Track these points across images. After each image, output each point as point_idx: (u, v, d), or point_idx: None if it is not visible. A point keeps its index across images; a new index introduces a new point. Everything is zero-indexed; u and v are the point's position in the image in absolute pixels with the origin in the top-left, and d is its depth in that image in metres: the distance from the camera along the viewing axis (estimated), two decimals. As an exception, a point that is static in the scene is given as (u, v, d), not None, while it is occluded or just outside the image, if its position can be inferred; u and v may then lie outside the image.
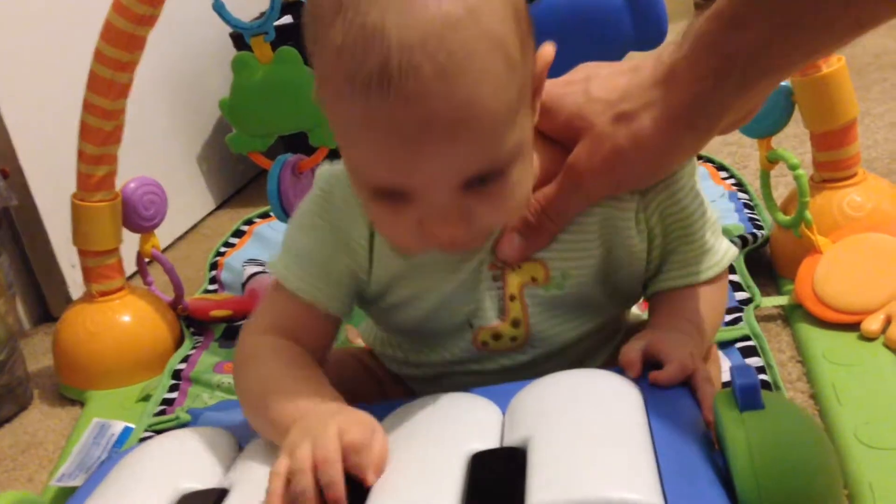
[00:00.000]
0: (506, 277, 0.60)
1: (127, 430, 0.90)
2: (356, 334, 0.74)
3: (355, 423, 0.49)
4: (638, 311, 0.72)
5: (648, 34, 0.93)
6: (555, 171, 0.59)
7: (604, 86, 0.58)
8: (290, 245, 0.63)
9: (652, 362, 0.54)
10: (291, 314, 0.62)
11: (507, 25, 0.49)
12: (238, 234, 1.44)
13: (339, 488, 0.46)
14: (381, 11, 0.46)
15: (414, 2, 0.46)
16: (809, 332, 0.86)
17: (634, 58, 0.94)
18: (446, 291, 0.61)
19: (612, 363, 0.66)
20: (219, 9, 0.98)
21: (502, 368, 0.63)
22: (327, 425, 0.48)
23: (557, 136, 0.59)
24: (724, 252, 0.63)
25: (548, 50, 0.55)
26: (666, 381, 0.52)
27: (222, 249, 1.39)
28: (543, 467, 0.44)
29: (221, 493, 0.49)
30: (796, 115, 0.94)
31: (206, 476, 0.52)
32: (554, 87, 0.59)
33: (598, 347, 0.66)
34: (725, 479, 0.44)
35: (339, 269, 0.62)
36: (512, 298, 0.61)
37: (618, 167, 0.57)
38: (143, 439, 0.89)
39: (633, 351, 0.54)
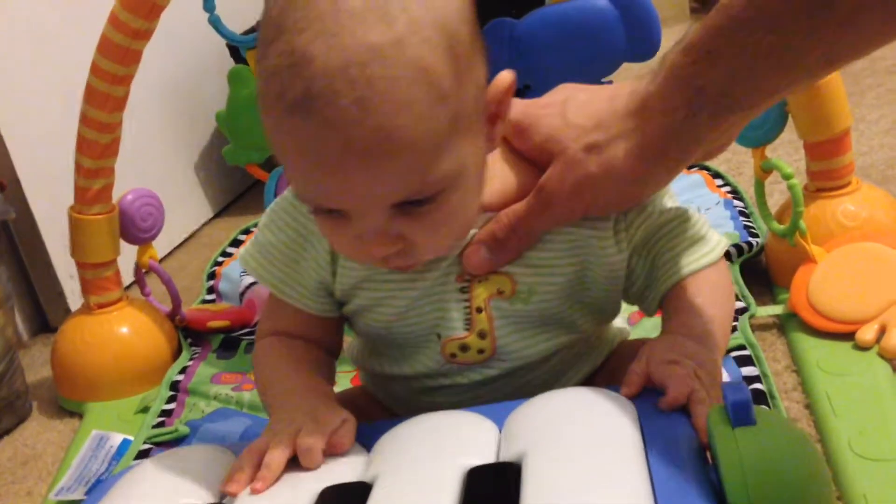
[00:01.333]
0: (472, 289, 0.61)
1: (126, 443, 0.91)
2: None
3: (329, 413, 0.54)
4: (622, 322, 0.71)
5: (642, 46, 0.94)
6: (528, 189, 0.59)
7: (580, 111, 0.58)
8: (260, 238, 0.65)
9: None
10: (284, 314, 0.65)
11: (437, 55, 0.49)
12: (235, 243, 1.44)
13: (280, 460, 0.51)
14: (311, 37, 0.47)
15: (342, 29, 0.47)
16: (804, 342, 0.86)
17: (632, 69, 0.96)
18: (409, 299, 0.61)
19: (594, 380, 0.66)
20: (215, 23, 0.99)
21: (473, 383, 0.63)
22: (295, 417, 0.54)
23: (532, 157, 0.60)
24: (716, 242, 0.63)
25: (504, 76, 0.55)
26: (666, 407, 0.51)
27: (220, 259, 1.39)
28: (537, 481, 0.44)
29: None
30: (791, 120, 0.95)
31: (204, 494, 0.52)
32: (532, 108, 0.60)
33: (573, 364, 0.66)
34: (718, 494, 0.44)
35: (305, 269, 0.63)
36: (479, 310, 0.61)
37: (587, 193, 0.57)
38: (141, 451, 0.90)
39: (637, 375, 0.53)
